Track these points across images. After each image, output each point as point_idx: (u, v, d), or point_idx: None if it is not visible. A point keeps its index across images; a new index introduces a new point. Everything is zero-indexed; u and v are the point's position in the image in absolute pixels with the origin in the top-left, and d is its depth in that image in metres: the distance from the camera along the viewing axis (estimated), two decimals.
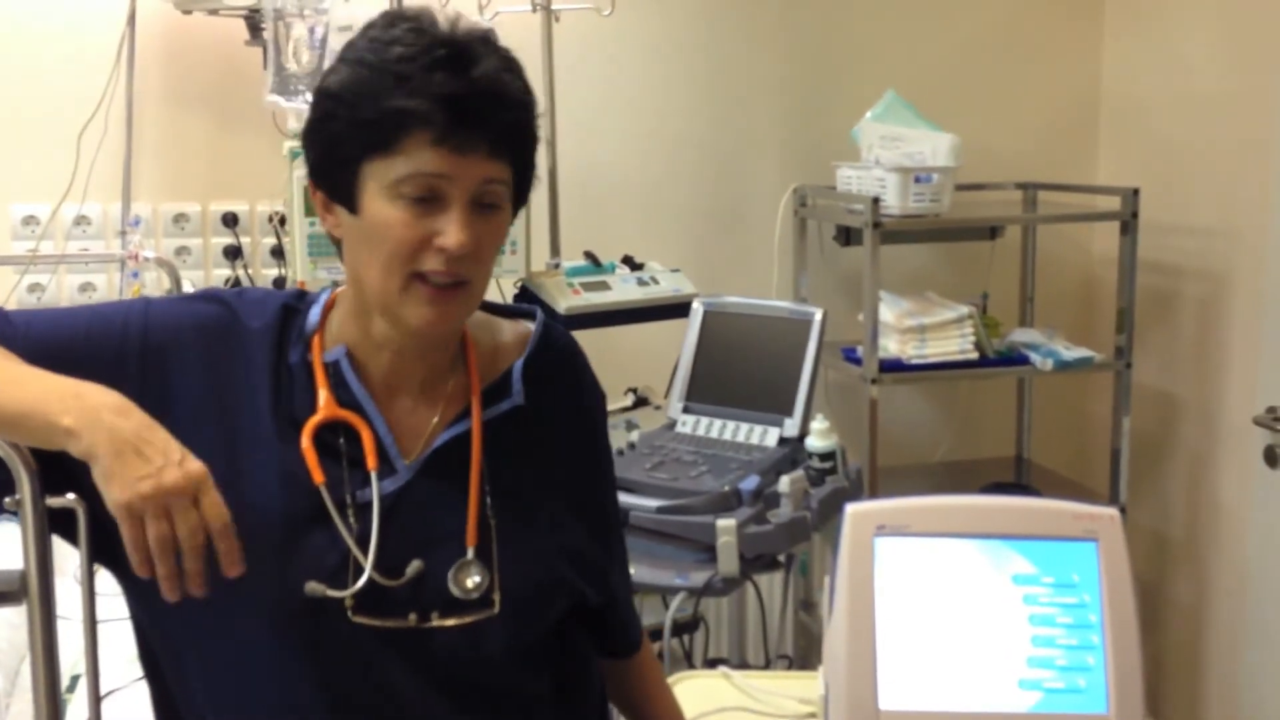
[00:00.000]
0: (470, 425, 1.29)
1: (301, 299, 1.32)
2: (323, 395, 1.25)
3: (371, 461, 1.24)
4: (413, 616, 1.22)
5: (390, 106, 1.16)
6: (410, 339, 1.25)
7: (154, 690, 1.32)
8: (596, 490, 1.41)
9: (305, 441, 1.23)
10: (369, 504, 1.23)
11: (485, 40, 1.22)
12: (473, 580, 1.24)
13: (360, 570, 1.20)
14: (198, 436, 1.18)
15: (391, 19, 1.22)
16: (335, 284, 1.35)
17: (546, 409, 1.35)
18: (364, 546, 1.21)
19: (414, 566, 1.22)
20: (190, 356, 1.24)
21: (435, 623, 1.22)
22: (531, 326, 1.38)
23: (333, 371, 1.27)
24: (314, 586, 1.19)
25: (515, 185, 1.25)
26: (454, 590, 1.23)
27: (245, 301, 1.29)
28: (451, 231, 1.17)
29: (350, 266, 1.25)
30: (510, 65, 1.23)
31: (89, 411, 1.09)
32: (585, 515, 1.37)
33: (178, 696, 1.29)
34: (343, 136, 1.20)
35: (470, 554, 1.24)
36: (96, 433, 1.08)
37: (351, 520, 1.22)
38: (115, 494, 1.07)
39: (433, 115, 1.16)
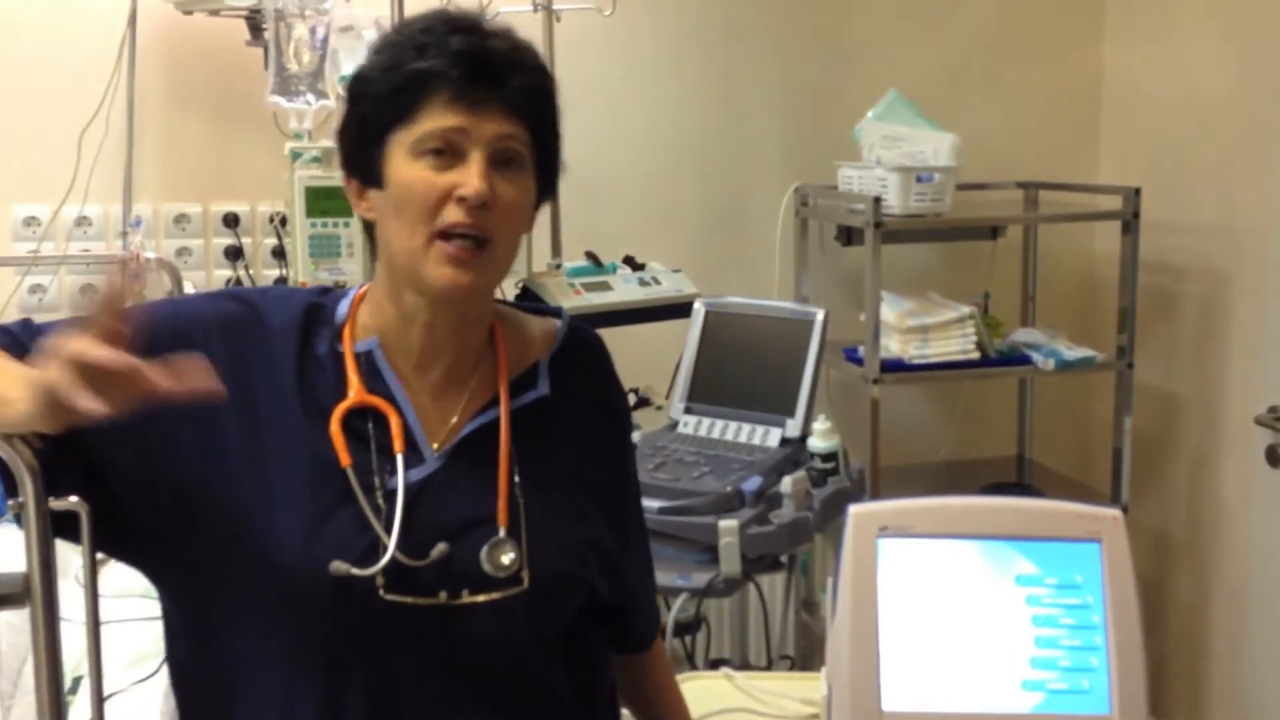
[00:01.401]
0: (497, 414, 1.31)
1: (326, 294, 1.35)
2: (354, 381, 1.28)
3: (399, 445, 1.27)
4: (443, 594, 1.24)
5: (410, 70, 1.23)
6: (436, 304, 1.28)
7: (175, 683, 1.34)
8: (619, 487, 1.43)
9: (334, 426, 1.26)
10: (396, 489, 1.25)
11: (508, 30, 1.29)
12: (508, 557, 1.26)
13: (385, 550, 1.22)
14: (223, 426, 1.23)
15: (420, 16, 1.29)
16: (338, 284, 1.36)
17: (572, 403, 1.38)
18: (390, 530, 1.23)
19: (439, 549, 1.24)
20: (215, 349, 1.26)
21: (466, 599, 1.25)
22: (558, 324, 1.42)
23: (364, 361, 1.30)
24: (339, 566, 1.21)
25: (540, 162, 1.28)
26: (487, 567, 1.26)
27: (268, 300, 1.33)
28: (470, 180, 1.22)
29: (382, 244, 1.29)
30: (530, 48, 1.29)
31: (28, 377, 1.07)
32: (607, 510, 1.39)
33: (200, 689, 1.30)
34: (371, 113, 1.26)
35: (503, 533, 1.27)
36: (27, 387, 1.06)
37: (380, 503, 1.25)
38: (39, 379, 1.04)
39: (449, 72, 1.22)
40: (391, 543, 1.23)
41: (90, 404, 1.00)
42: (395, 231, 1.25)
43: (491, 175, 1.23)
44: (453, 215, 1.22)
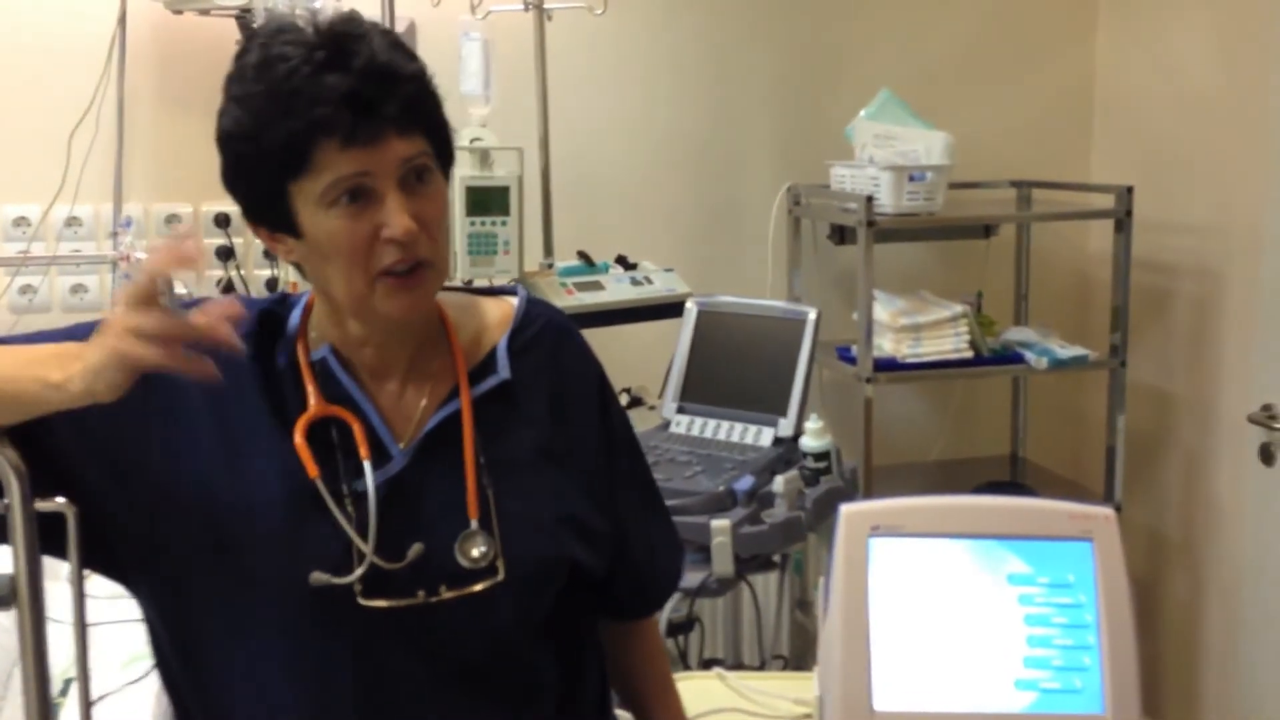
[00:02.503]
0: (460, 405, 1.31)
1: (282, 304, 1.34)
2: (311, 393, 1.28)
3: (364, 451, 1.26)
4: (421, 593, 1.24)
5: (290, 127, 1.17)
6: (391, 330, 1.28)
7: (166, 686, 1.33)
8: (599, 457, 1.41)
9: (298, 438, 1.25)
10: (367, 493, 1.25)
11: (351, 22, 1.22)
12: (478, 550, 1.26)
13: (362, 557, 1.22)
14: (199, 437, 1.24)
15: (264, 39, 1.22)
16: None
17: (535, 381, 1.36)
18: (364, 534, 1.23)
19: (415, 549, 1.24)
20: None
21: (445, 595, 1.24)
22: (514, 303, 1.41)
23: (320, 369, 1.29)
24: (318, 576, 1.21)
25: (439, 150, 1.26)
26: (461, 561, 1.25)
27: None
28: (394, 221, 1.19)
29: (316, 283, 1.28)
30: (387, 39, 1.23)
31: (70, 357, 1.11)
32: (586, 483, 1.38)
33: (189, 695, 1.30)
34: (259, 171, 1.21)
35: (474, 524, 1.27)
36: (79, 365, 1.10)
37: (350, 509, 1.24)
38: (106, 348, 1.07)
39: (333, 120, 1.16)
40: (369, 548, 1.23)
41: (157, 355, 1.06)
42: (331, 279, 1.23)
43: (410, 202, 1.20)
44: (387, 257, 1.20)
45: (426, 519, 1.27)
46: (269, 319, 1.31)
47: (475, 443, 1.30)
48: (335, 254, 1.20)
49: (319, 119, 1.16)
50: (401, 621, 1.24)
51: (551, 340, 1.40)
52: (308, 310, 1.33)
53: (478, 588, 1.25)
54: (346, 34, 1.20)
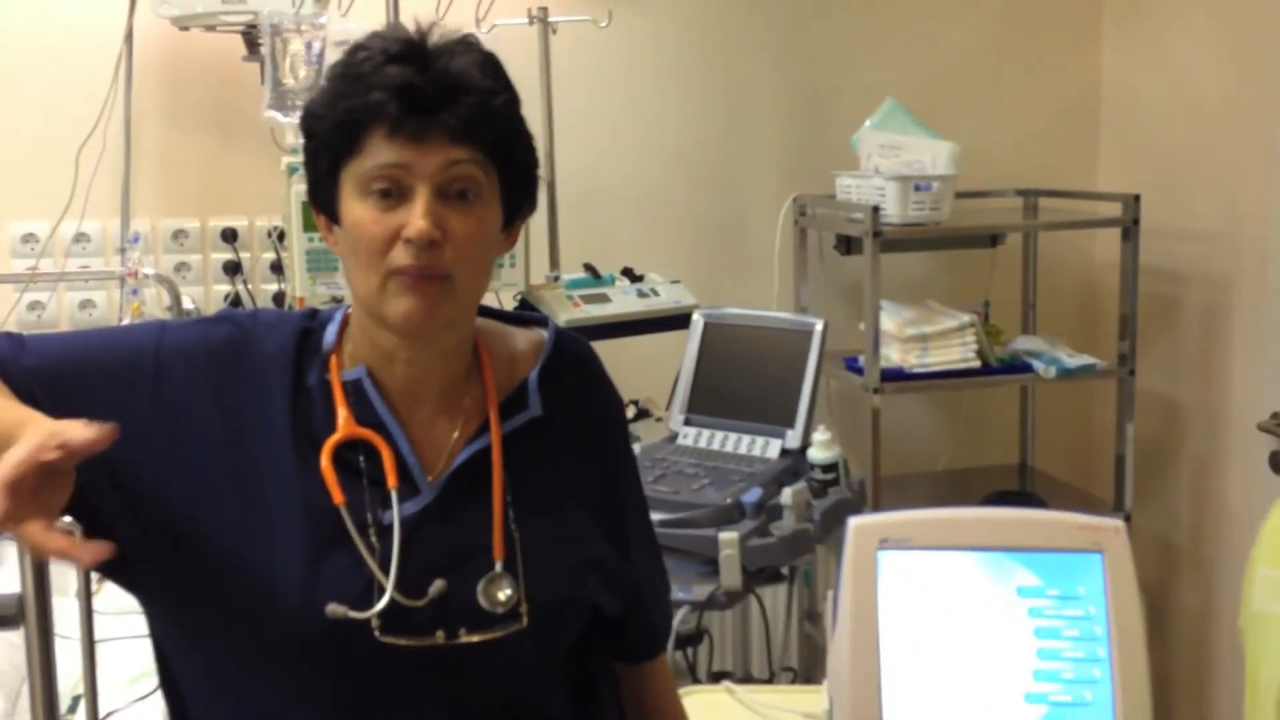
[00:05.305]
0: (490, 440, 1.28)
1: (314, 318, 1.31)
2: (342, 414, 1.24)
3: (392, 480, 1.23)
4: (440, 634, 1.21)
5: (348, 105, 1.19)
6: (409, 340, 1.24)
7: (171, 708, 1.31)
8: (618, 495, 1.39)
9: (324, 461, 1.21)
10: (392, 525, 1.21)
11: (459, 41, 1.23)
12: (504, 593, 1.22)
13: (383, 591, 1.19)
14: (212, 459, 1.20)
15: (370, 34, 1.24)
16: (336, 299, 1.34)
17: (564, 417, 1.34)
18: (386, 568, 1.20)
19: (436, 586, 1.21)
20: (203, 380, 1.23)
21: (464, 639, 1.21)
22: (544, 334, 1.38)
23: (353, 390, 1.26)
24: (335, 609, 1.17)
25: (506, 182, 1.24)
26: (483, 604, 1.22)
27: (259, 325, 1.29)
28: (413, 221, 1.17)
29: (347, 279, 1.26)
30: (482, 62, 1.23)
31: None
32: (607, 523, 1.36)
33: (194, 716, 1.28)
34: (320, 149, 1.23)
35: (499, 567, 1.23)
36: None
37: (374, 541, 1.21)
38: None
39: (385, 106, 1.17)
40: (390, 584, 1.19)
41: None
42: (353, 270, 1.22)
43: (441, 210, 1.18)
44: (401, 258, 1.17)
45: (451, 557, 1.23)
46: (305, 338, 1.28)
47: (504, 481, 1.26)
48: (360, 245, 1.19)
49: (371, 103, 1.17)
50: (418, 661, 1.20)
51: (580, 375, 1.38)
52: (344, 325, 1.29)
53: (499, 634, 1.22)
54: (440, 43, 1.22)
